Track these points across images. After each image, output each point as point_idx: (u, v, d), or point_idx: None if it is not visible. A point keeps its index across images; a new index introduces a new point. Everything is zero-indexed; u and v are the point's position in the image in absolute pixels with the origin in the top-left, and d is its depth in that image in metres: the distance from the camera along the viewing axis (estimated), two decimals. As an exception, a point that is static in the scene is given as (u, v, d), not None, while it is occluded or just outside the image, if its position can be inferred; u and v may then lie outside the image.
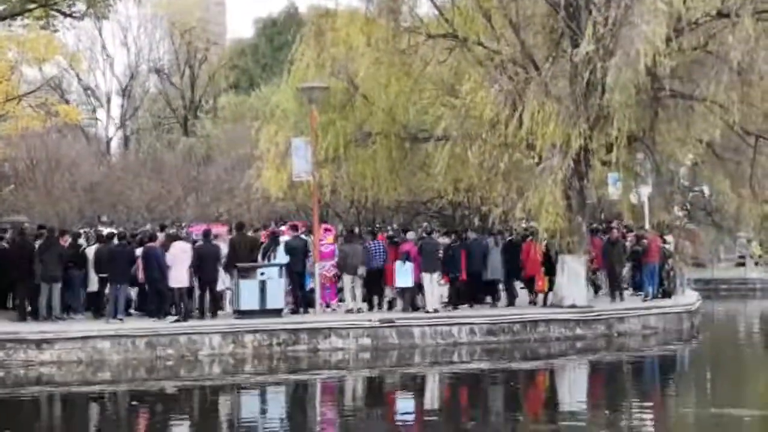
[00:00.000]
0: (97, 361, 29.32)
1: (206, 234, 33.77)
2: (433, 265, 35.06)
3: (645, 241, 40.84)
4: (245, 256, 33.42)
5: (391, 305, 36.04)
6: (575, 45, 36.13)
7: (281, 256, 33.98)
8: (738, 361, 35.81)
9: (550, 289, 36.95)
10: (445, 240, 36.82)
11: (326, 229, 37.40)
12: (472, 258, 36.32)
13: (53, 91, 71.21)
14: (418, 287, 35.34)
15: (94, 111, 78.16)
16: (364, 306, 35.08)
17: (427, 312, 34.59)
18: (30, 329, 30.36)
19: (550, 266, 36.86)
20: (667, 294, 40.37)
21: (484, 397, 27.93)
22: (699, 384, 31.19)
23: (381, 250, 35.50)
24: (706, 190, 42.06)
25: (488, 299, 37.83)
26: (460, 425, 23.87)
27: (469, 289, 36.75)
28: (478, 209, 39.40)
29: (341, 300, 35.92)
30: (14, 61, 56.91)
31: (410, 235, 37.98)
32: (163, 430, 23.89)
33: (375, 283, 35.51)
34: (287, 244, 34.41)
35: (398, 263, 34.54)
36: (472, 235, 38.07)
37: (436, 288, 35.43)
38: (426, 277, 35.09)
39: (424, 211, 42.91)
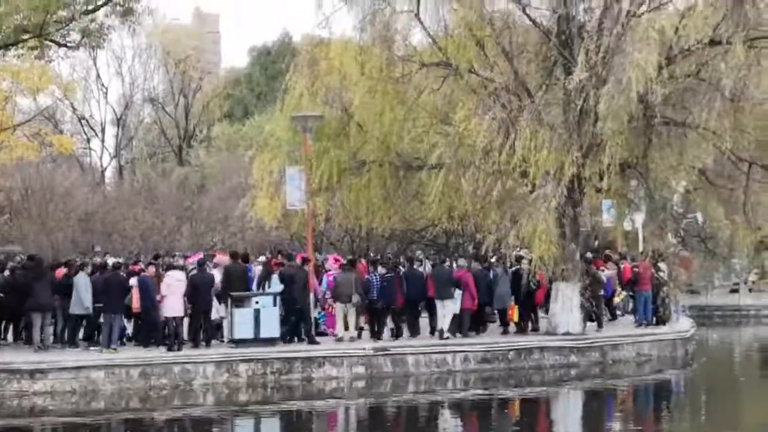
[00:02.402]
0: (91, 392, 29.24)
1: (201, 263, 33.78)
2: (446, 293, 35.23)
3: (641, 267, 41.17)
4: (239, 285, 33.49)
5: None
6: (568, 73, 36.30)
7: (275, 285, 34.01)
8: (733, 389, 35.66)
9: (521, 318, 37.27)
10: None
11: (336, 260, 37.47)
12: (479, 288, 36.12)
13: (47, 121, 71.27)
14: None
15: (88, 141, 78.19)
16: (356, 334, 34.99)
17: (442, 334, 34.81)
18: (24, 359, 30.38)
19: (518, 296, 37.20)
20: (661, 321, 40.14)
21: (478, 426, 28.26)
22: (694, 412, 31.08)
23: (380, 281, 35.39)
24: (699, 217, 42.03)
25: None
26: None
27: (477, 317, 36.74)
28: (472, 237, 39.45)
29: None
30: (8, 92, 56.98)
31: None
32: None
33: (375, 312, 35.42)
34: (281, 274, 34.40)
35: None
36: (475, 264, 38.04)
37: (448, 313, 35.42)
38: (439, 303, 35.33)
39: (418, 239, 42.88)
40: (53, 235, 44.75)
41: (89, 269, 33.40)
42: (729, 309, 54.62)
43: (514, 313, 37.14)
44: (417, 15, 38.66)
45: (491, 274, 37.13)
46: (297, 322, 34.23)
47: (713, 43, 36.44)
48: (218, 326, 33.49)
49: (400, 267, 37.03)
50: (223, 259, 36.41)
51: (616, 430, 27.83)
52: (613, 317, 42.21)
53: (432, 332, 35.53)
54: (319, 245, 37.97)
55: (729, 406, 32.15)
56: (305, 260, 36.16)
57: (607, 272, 41.13)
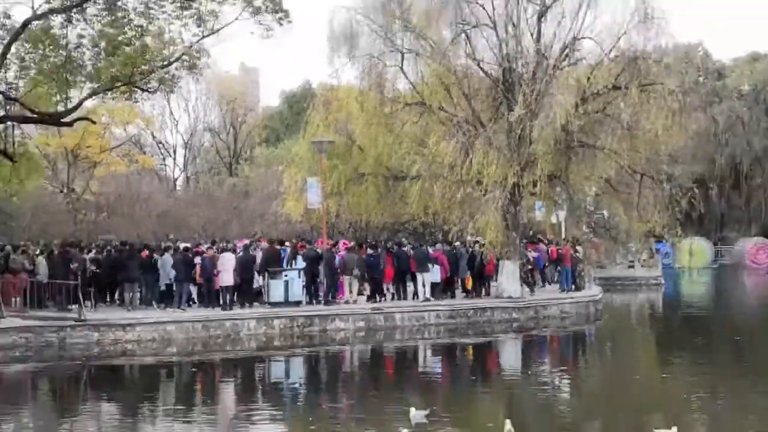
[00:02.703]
0: (167, 340, 29.35)
1: (246, 247, 33.82)
2: (424, 268, 35.47)
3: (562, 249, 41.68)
4: (273, 262, 33.39)
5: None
6: (510, 110, 36.24)
7: (299, 263, 33.94)
8: (629, 333, 36.86)
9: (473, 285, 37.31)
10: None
11: (344, 244, 37.46)
12: (451, 262, 36.66)
13: (134, 145, 71.39)
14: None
15: (164, 159, 78.30)
16: (359, 298, 34.90)
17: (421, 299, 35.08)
18: (118, 316, 30.24)
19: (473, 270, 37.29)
20: (578, 288, 40.81)
21: (445, 360, 28.24)
22: (601, 350, 32.14)
23: (382, 258, 35.56)
24: (605, 213, 42.26)
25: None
26: (427, 378, 24.03)
27: (448, 286, 36.93)
28: (441, 228, 39.55)
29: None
30: (106, 124, 56.99)
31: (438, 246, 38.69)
32: (214, 389, 23.81)
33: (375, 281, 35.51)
34: (304, 254, 34.34)
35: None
36: (445, 247, 38.14)
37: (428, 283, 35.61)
38: (418, 276, 35.59)
39: (402, 229, 42.92)
40: (138, 227, 44.68)
41: (171, 252, 33.41)
42: (627, 279, 55.13)
43: (469, 282, 37.03)
44: (401, 68, 38.61)
45: (457, 254, 37.04)
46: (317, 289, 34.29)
47: (615, 88, 36.36)
48: (258, 293, 33.28)
49: (392, 249, 36.89)
50: (263, 244, 36.38)
51: (547, 362, 28.22)
52: (543, 284, 42.35)
53: (414, 296, 35.61)
54: (330, 234, 37.75)
55: (625, 344, 33.26)
56: (334, 245, 36.80)
57: (532, 253, 41.34)
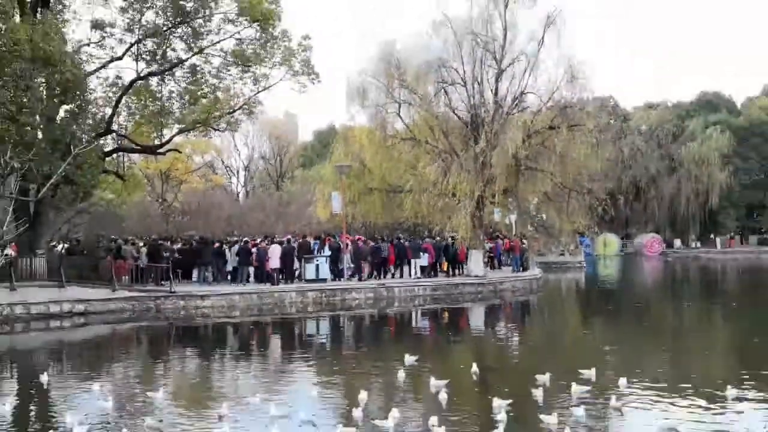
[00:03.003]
0: (232, 307, 29.17)
1: (288, 240, 33.68)
2: (417, 255, 35.62)
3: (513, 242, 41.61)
4: (307, 251, 33.38)
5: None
6: (476, 143, 36.23)
7: (326, 251, 33.91)
8: (561, 301, 36.21)
9: (449, 267, 37.31)
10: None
11: (359, 238, 37.44)
12: (435, 251, 36.69)
13: (209, 168, 71.50)
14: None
15: (230, 178, 78.31)
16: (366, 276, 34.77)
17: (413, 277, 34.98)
18: (197, 289, 30.27)
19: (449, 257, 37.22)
20: (525, 269, 40.63)
21: (430, 321, 28.22)
22: (541, 312, 31.84)
23: (386, 248, 35.51)
24: (544, 216, 42.32)
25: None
26: (417, 333, 24.06)
27: (432, 268, 36.78)
28: (428, 227, 39.49)
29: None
30: (189, 153, 57.11)
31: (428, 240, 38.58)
32: (266, 340, 23.87)
33: (382, 265, 35.27)
34: (329, 245, 34.40)
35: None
36: (432, 240, 38.21)
37: (419, 266, 35.69)
38: (413, 261, 35.59)
39: (400, 228, 42.68)
40: (211, 227, 44.47)
41: (235, 245, 33.46)
42: (559, 263, 54.19)
43: (445, 265, 37.00)
44: (398, 114, 38.57)
45: (439, 246, 37.09)
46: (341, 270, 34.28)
47: (551, 128, 36.36)
48: (297, 273, 33.20)
49: (393, 241, 36.85)
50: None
51: (502, 322, 27.90)
52: (499, 267, 42.16)
53: (409, 275, 35.41)
54: (349, 231, 37.68)
55: (558, 309, 33.20)
56: (359, 239, 36.79)
57: (489, 244, 41.52)
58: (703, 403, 13.35)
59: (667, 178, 74.64)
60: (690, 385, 14.72)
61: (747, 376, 15.45)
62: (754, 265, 58.45)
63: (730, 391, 13.43)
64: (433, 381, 14.64)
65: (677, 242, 75.46)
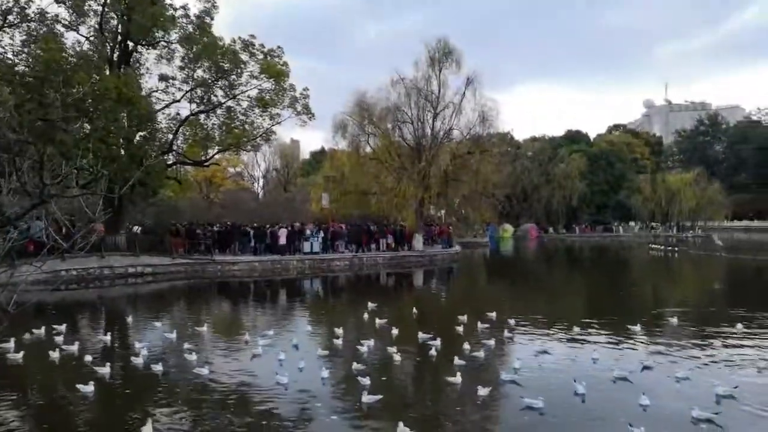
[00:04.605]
0: (252, 270, 28.79)
1: (291, 226, 33.38)
2: (383, 236, 35.18)
3: (441, 229, 41.47)
4: (302, 234, 32.95)
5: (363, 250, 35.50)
6: (419, 162, 36.27)
7: (319, 233, 33.65)
8: (473, 268, 36.25)
9: (395, 245, 36.35)
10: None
11: (341, 224, 37.00)
12: (394, 234, 36.04)
13: (238, 176, 70.34)
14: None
15: (253, 183, 76.79)
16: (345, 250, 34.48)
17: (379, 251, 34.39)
18: (230, 259, 29.94)
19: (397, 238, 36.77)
20: (450, 246, 40.12)
21: (386, 280, 28.25)
22: (461, 275, 31.49)
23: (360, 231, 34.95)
24: (463, 211, 42.40)
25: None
26: (378, 288, 24.18)
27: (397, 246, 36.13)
28: (386, 218, 39.27)
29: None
30: (225, 166, 56.28)
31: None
32: (277, 293, 23.78)
33: (359, 244, 34.62)
34: (322, 229, 34.00)
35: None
36: (392, 226, 37.67)
37: (384, 244, 35.20)
38: (381, 240, 35.12)
39: (370, 218, 42.44)
40: (239, 216, 43.11)
41: (255, 229, 33.04)
42: (473, 243, 51.44)
43: (393, 244, 36.30)
44: (368, 142, 38.56)
45: (396, 230, 36.77)
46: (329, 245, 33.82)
47: (469, 153, 36.69)
48: (297, 248, 32.89)
49: (365, 227, 36.56)
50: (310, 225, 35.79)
51: (435, 281, 27.85)
52: (432, 245, 41.93)
53: (377, 250, 34.91)
54: (334, 220, 37.49)
55: (471, 272, 32.79)
56: (340, 225, 35.57)
57: (428, 229, 40.96)
58: (563, 336, 13.71)
59: (545, 187, 75.49)
60: (557, 323, 15.09)
61: (596, 319, 15.87)
62: (600, 244, 59.74)
63: (575, 329, 13.77)
64: (370, 304, 15.11)
65: (551, 229, 76.55)
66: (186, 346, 12.14)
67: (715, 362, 11.12)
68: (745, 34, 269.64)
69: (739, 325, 13.92)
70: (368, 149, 39.41)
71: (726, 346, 12.37)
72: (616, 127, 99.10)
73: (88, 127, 26.22)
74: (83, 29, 29.67)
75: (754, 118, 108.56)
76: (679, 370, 10.18)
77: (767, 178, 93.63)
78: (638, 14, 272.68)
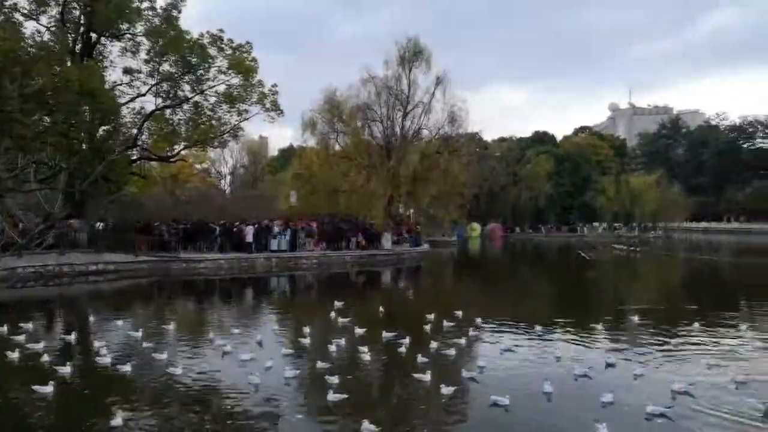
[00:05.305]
0: (218, 267, 28.36)
1: (259, 223, 33.00)
2: (354, 235, 34.88)
3: (410, 227, 41.64)
4: (270, 231, 32.61)
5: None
6: (389, 161, 36.53)
7: (287, 232, 33.33)
8: (440, 266, 36.56)
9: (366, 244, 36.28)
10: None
11: (312, 221, 36.65)
12: (365, 233, 35.78)
13: (205, 172, 69.09)
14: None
15: (220, 180, 75.73)
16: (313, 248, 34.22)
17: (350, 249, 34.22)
18: (196, 256, 29.48)
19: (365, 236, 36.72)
20: (418, 245, 40.23)
21: (355, 278, 28.19)
22: (426, 272, 31.71)
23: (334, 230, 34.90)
24: (432, 210, 42.60)
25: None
26: (346, 285, 24.16)
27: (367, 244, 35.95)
28: (356, 216, 39.24)
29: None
30: (192, 162, 55.30)
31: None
32: (242, 290, 23.53)
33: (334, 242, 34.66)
34: (288, 227, 33.64)
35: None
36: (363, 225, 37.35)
37: (354, 243, 34.89)
38: (352, 239, 34.83)
39: (338, 216, 42.28)
40: (205, 214, 41.92)
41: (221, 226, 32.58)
42: (441, 241, 51.70)
43: (363, 242, 36.40)
44: (337, 140, 38.67)
45: (367, 228, 36.64)
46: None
47: (438, 152, 37.10)
48: (265, 246, 32.58)
49: (336, 225, 36.38)
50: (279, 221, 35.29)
51: (403, 278, 28.08)
52: (401, 244, 41.90)
53: (348, 248, 34.68)
54: (303, 218, 37.29)
55: (438, 270, 33.18)
56: (308, 223, 34.84)
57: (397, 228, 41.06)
58: (529, 334, 13.94)
59: (512, 187, 76.63)
60: (523, 322, 15.32)
61: (561, 317, 16.18)
62: (566, 243, 60.88)
63: (540, 327, 14.01)
64: (336, 303, 15.24)
65: (517, 229, 77.69)
66: (147, 345, 11.93)
67: (673, 359, 11.45)
68: (705, 41, 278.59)
69: (696, 324, 14.38)
70: (337, 147, 39.37)
71: (683, 344, 12.76)
72: (583, 129, 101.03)
73: (48, 120, 25.51)
74: (44, 19, 28.92)
75: (713, 123, 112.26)
76: (638, 367, 10.46)
77: (724, 181, 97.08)
78: (606, 18, 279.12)
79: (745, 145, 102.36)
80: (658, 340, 13.12)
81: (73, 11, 29.74)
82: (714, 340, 13.19)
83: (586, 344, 12.74)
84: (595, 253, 45.02)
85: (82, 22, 29.87)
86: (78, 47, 29.76)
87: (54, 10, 28.96)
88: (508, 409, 8.39)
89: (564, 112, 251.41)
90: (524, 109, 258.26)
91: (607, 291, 24.36)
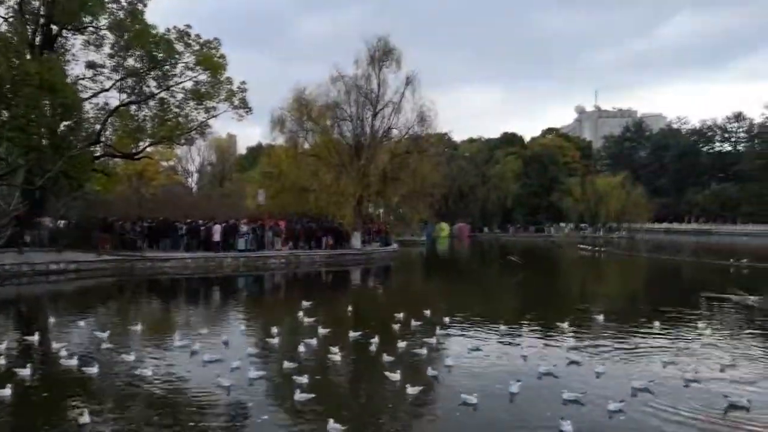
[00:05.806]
0: (186, 266, 27.98)
1: (227, 222, 32.66)
2: (324, 234, 34.85)
3: (380, 227, 41.64)
4: (237, 230, 32.24)
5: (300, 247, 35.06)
6: (359, 160, 36.47)
7: (250, 232, 33.00)
8: (410, 265, 36.62)
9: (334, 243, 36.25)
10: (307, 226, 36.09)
11: (281, 220, 36.27)
12: (334, 234, 35.69)
13: (171, 170, 67.85)
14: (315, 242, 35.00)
15: (187, 178, 74.31)
16: (281, 247, 33.96)
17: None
18: (163, 255, 28.94)
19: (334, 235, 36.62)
20: (388, 244, 40.36)
21: (324, 278, 28.11)
22: (396, 271, 31.79)
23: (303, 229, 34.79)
24: (401, 210, 42.70)
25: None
26: (315, 285, 24.04)
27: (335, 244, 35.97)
28: (326, 216, 39.00)
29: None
30: (158, 159, 54.27)
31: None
32: (209, 290, 23.21)
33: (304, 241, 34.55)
34: (252, 227, 33.27)
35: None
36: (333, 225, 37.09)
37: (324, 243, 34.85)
38: (323, 239, 34.84)
39: (307, 216, 41.95)
40: (172, 212, 41.19)
41: (187, 224, 32.11)
42: (410, 241, 51.84)
43: (330, 241, 36.15)
44: (306, 138, 38.41)
45: (337, 228, 36.51)
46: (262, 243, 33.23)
47: (407, 152, 37.21)
48: (232, 245, 32.22)
49: (305, 224, 36.18)
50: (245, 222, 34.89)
51: (372, 277, 28.09)
52: (371, 243, 41.92)
53: (318, 248, 34.58)
54: (271, 217, 36.92)
55: (407, 269, 33.27)
56: (277, 222, 34.63)
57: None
58: (496, 333, 14.12)
59: (481, 187, 77.37)
60: (490, 321, 15.49)
61: (527, 316, 16.43)
62: (533, 243, 61.89)
63: (507, 326, 14.18)
64: (304, 303, 15.22)
65: (485, 229, 78.52)
66: (108, 345, 11.67)
67: (635, 357, 11.77)
68: (669, 47, 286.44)
69: (657, 323, 14.79)
70: (307, 146, 39.10)
71: (645, 342, 13.11)
72: (550, 130, 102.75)
73: (6, 115, 24.71)
74: (1, 9, 27.99)
75: (675, 126, 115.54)
76: (600, 365, 10.72)
77: (685, 183, 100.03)
78: (574, 22, 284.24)
79: (704, 149, 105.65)
80: (622, 338, 13.45)
81: (33, 2, 28.91)
82: (672, 338, 13.59)
83: (553, 342, 12.97)
84: (559, 252, 45.75)
85: (42, 13, 29.04)
86: (38, 39, 28.92)
87: (12, 0, 28.10)
88: (477, 407, 8.49)
89: (533, 114, 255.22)
90: (494, 110, 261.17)
91: (573, 290, 24.83)
